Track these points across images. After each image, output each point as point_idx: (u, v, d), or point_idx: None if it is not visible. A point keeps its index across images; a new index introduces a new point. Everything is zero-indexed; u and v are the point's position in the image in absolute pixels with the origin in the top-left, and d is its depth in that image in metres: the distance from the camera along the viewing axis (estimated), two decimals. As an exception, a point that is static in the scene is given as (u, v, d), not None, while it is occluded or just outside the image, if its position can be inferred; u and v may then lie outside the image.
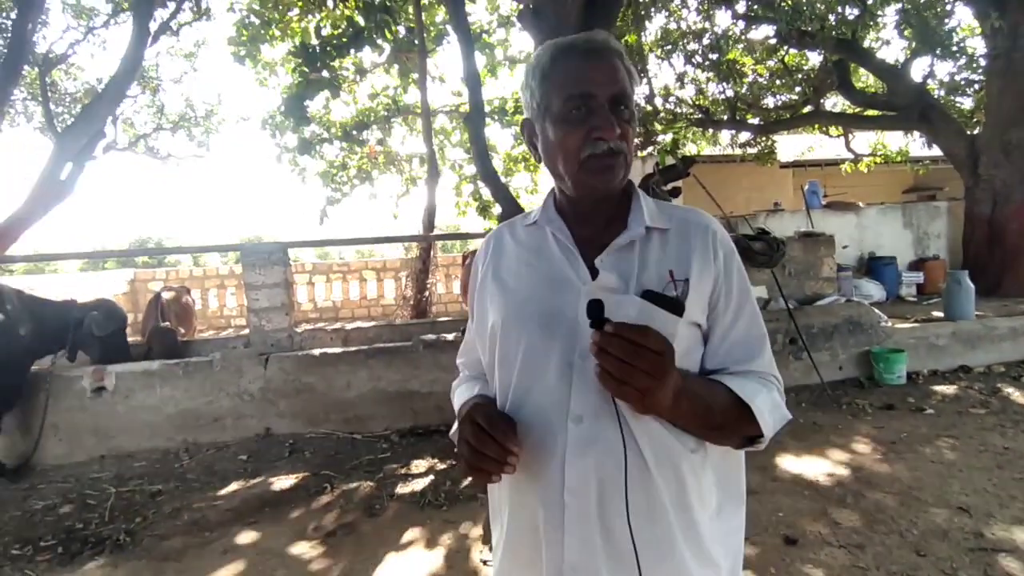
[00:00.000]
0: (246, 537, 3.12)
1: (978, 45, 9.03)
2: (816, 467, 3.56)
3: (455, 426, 1.08)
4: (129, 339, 5.21)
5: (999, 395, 4.70)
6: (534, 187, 14.32)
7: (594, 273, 0.90)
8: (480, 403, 0.94)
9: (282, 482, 3.84)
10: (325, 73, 6.14)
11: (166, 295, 6.62)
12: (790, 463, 3.60)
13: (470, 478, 0.88)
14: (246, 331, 7.64)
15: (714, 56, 10.75)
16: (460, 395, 1.12)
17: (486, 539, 2.93)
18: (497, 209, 9.98)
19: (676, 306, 0.84)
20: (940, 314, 6.32)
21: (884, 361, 5.24)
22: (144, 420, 4.57)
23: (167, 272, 11.58)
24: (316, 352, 4.93)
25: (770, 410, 0.88)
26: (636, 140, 0.96)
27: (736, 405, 0.86)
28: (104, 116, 6.44)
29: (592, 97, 0.88)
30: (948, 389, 4.97)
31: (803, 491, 3.24)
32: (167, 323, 6.00)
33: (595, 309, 0.74)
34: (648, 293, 0.85)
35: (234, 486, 3.82)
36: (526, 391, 0.91)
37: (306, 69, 6.17)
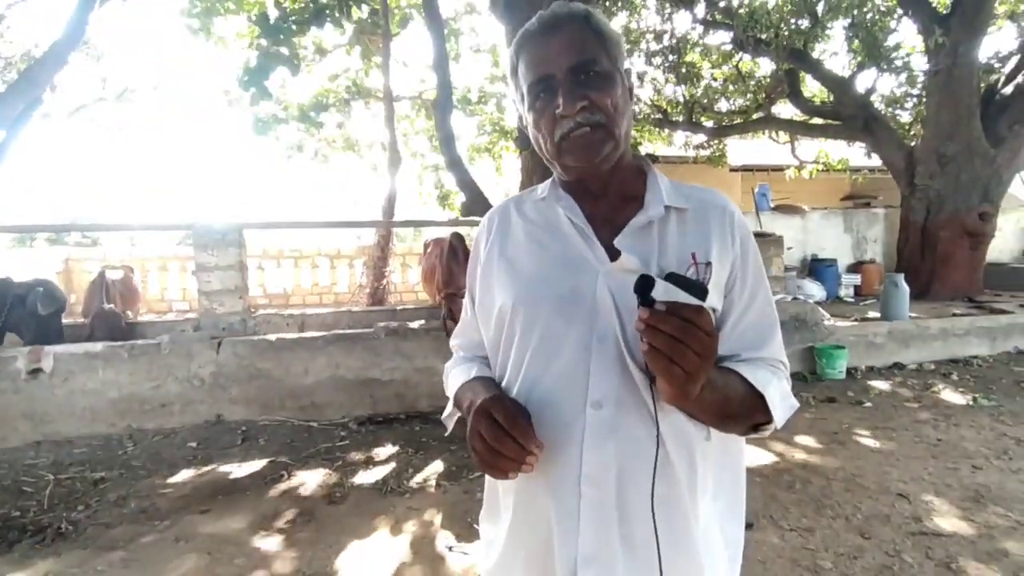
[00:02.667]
0: (199, 525, 3.01)
1: (919, 61, 9.52)
2: (764, 455, 3.71)
3: (448, 408, 1.03)
4: (66, 321, 4.95)
5: (931, 390, 5.02)
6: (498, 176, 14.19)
7: (612, 254, 0.87)
8: (498, 396, 0.86)
9: (235, 470, 3.73)
10: (284, 50, 5.93)
11: (111, 275, 6.28)
12: (742, 452, 3.74)
13: (484, 473, 0.82)
14: (190, 315, 7.36)
15: (673, 58, 10.96)
16: (456, 377, 1.04)
17: (451, 527, 2.94)
18: (459, 199, 9.90)
19: (700, 290, 0.80)
20: (876, 314, 6.68)
21: (827, 357, 5.50)
22: (84, 404, 4.35)
23: (104, 252, 10.95)
24: (272, 337, 4.79)
25: (781, 399, 0.87)
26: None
27: (750, 394, 0.84)
28: (43, 83, 5.99)
29: (551, 77, 0.86)
30: (884, 384, 5.27)
31: (754, 477, 3.37)
32: (112, 305, 5.70)
33: (644, 286, 0.70)
34: (672, 276, 0.80)
35: (184, 473, 3.68)
36: (539, 375, 0.87)
37: (264, 43, 5.92)
